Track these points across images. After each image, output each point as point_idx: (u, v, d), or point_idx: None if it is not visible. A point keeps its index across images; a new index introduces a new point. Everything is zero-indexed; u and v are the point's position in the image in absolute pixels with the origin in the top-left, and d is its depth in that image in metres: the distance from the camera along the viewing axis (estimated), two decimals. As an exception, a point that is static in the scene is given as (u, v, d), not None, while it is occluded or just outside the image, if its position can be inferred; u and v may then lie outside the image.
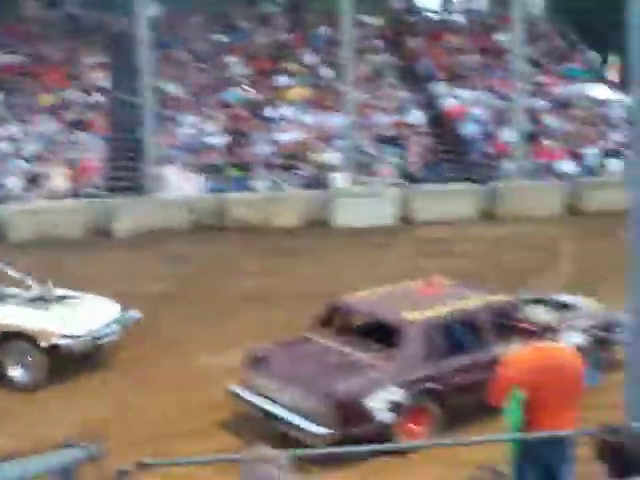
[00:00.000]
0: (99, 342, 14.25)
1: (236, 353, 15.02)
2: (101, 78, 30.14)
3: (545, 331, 8.38)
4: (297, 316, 16.10)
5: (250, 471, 2.99)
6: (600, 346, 13.33)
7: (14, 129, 27.65)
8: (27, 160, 26.47)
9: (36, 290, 14.99)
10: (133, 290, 19.18)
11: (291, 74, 30.65)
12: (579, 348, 10.23)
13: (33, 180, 25.86)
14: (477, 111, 29.36)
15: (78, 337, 13.84)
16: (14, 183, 25.72)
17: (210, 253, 22.12)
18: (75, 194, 25.67)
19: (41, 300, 14.59)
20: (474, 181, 26.78)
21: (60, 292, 15.06)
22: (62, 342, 13.66)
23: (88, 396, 13.45)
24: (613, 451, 4.82)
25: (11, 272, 15.36)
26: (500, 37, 32.85)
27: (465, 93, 30.19)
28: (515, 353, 9.02)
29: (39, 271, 20.58)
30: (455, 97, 30.16)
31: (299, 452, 7.30)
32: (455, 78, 31.02)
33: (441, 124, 29.62)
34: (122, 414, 12.74)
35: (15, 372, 13.82)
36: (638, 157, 8.93)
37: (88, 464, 7.49)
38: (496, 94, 30.22)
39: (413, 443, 11.05)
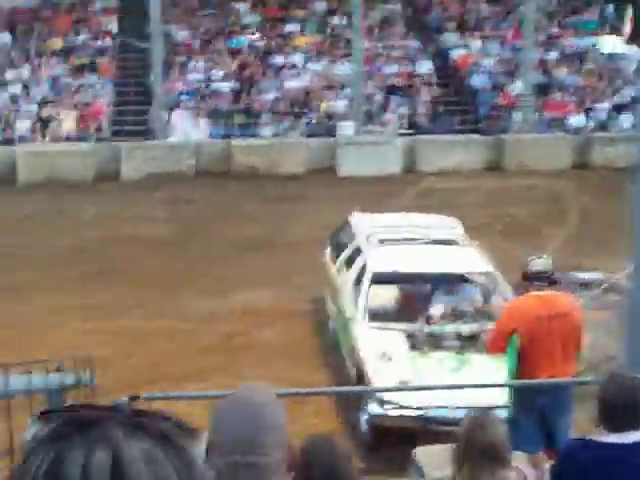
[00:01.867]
0: None
1: (235, 298, 15.22)
2: (110, 22, 30.00)
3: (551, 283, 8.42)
4: (297, 262, 16.26)
5: (244, 395, 3.00)
6: None
7: (24, 72, 27.65)
8: (37, 103, 26.51)
9: None
10: (136, 232, 19.35)
11: (300, 21, 30.48)
12: None
13: (42, 123, 25.91)
14: (487, 62, 29.18)
15: None
16: (24, 126, 25.77)
17: (214, 198, 22.17)
18: (83, 137, 25.74)
19: None
20: (482, 133, 26.71)
21: None
22: None
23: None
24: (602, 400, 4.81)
25: None
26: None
27: (475, 44, 29.99)
28: (515, 301, 9.07)
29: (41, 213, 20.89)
30: (465, 47, 29.97)
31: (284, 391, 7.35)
32: (465, 28, 30.79)
33: (450, 75, 29.48)
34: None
35: None
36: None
37: (78, 390, 7.61)
38: (507, 45, 30.03)
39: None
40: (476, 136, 26.45)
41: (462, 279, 12.16)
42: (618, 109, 27.61)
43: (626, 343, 9.47)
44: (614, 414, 4.71)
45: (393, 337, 10.89)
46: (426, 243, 12.78)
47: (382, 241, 12.88)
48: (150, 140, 25.87)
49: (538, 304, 8.27)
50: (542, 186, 22.88)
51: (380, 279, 11.90)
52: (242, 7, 30.95)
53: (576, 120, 27.31)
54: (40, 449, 1.12)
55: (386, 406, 9.95)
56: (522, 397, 8.34)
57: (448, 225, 14.05)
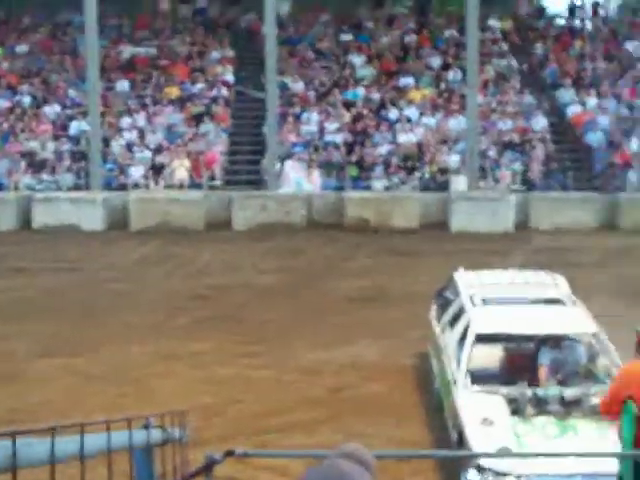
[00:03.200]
0: None
1: (343, 350, 15.12)
2: (227, 72, 30.46)
3: None
4: (406, 316, 16.13)
5: (333, 466, 2.87)
6: None
7: (140, 120, 28.21)
8: (151, 150, 27.00)
9: None
10: (247, 281, 19.46)
11: (415, 75, 30.52)
12: None
13: (156, 170, 26.36)
14: (603, 120, 28.79)
15: None
16: (138, 172, 26.25)
17: (324, 250, 22.20)
18: (196, 185, 26.09)
19: None
20: (596, 190, 26.31)
21: None
22: None
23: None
24: None
25: None
26: (630, 45, 32.15)
27: (591, 101, 29.63)
28: (630, 365, 8.78)
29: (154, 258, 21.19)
30: (580, 104, 29.63)
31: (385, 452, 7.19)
32: (581, 85, 30.47)
33: (565, 131, 29.17)
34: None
35: None
36: None
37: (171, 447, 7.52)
38: (623, 103, 29.61)
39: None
40: (591, 194, 26.05)
41: (568, 339, 11.85)
42: None
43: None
44: None
45: (495, 401, 10.61)
46: (531, 302, 12.47)
47: (486, 300, 12.57)
48: (262, 190, 26.09)
49: None
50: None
51: (483, 340, 11.65)
52: (357, 60, 31.14)
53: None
54: None
55: (485, 474, 9.66)
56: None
57: (553, 283, 13.66)
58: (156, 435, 7.21)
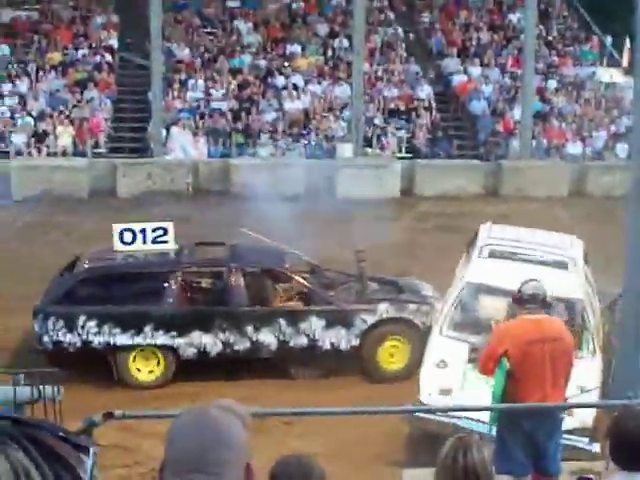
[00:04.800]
0: None
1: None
2: (111, 38, 29.99)
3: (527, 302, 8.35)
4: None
5: (203, 410, 2.78)
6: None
7: (23, 86, 27.59)
8: (34, 117, 26.44)
9: None
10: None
11: (302, 42, 30.48)
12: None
13: (39, 137, 25.85)
14: (487, 89, 29.21)
15: None
16: (20, 139, 25.70)
17: (210, 216, 22.05)
18: (80, 153, 25.67)
19: None
20: (480, 158, 26.70)
21: None
22: None
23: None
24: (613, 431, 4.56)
25: None
26: (514, 16, 32.64)
27: (475, 70, 30.02)
28: (505, 323, 8.99)
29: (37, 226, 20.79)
30: (466, 73, 30.00)
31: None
32: (466, 55, 30.84)
33: (450, 100, 29.53)
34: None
35: None
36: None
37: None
38: (507, 73, 30.08)
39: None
40: (475, 161, 26.45)
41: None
42: (615, 139, 27.67)
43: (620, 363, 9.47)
44: (627, 451, 4.40)
45: (458, 348, 11.19)
46: (535, 263, 12.73)
47: (493, 254, 12.96)
48: (147, 157, 25.80)
49: (529, 327, 8.19)
50: (539, 212, 22.82)
51: (473, 290, 12.10)
52: (244, 26, 30.96)
53: (573, 148, 27.36)
54: None
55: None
56: (509, 420, 8.24)
57: (569, 246, 13.89)
58: (26, 392, 7.16)
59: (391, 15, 32.52)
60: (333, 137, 26.74)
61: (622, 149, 27.04)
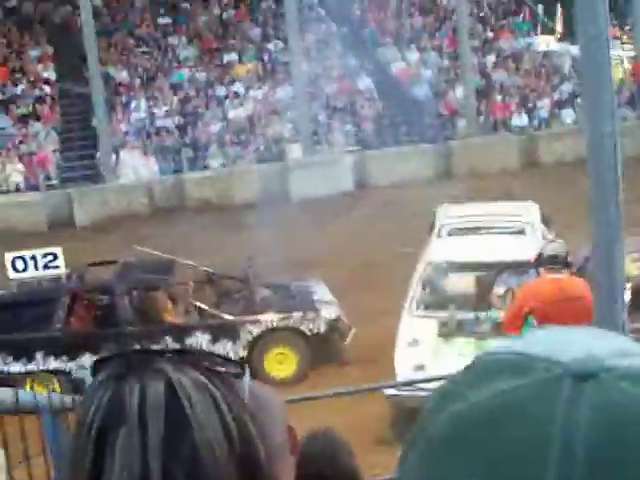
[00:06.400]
0: None
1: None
2: (48, 69, 29.88)
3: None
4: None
5: None
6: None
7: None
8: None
9: None
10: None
11: (237, 50, 30.56)
12: None
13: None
14: (426, 72, 29.42)
15: None
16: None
17: (170, 233, 22.08)
18: (33, 187, 25.60)
19: None
20: (428, 142, 26.89)
21: None
22: None
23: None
24: None
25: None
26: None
27: (413, 55, 30.23)
28: (531, 283, 9.16)
29: None
30: (404, 60, 30.20)
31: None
32: (401, 41, 31.04)
33: (391, 88, 29.67)
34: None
35: None
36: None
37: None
38: (444, 54, 30.31)
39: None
40: (424, 145, 26.63)
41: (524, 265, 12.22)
42: (559, 106, 27.97)
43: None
44: None
45: (428, 325, 11.48)
46: (494, 233, 13.15)
47: (451, 232, 13.42)
48: (100, 183, 25.79)
49: (552, 287, 8.31)
50: (494, 187, 23.04)
51: (436, 268, 12.43)
52: (178, 42, 30.99)
53: (519, 120, 27.62)
54: (100, 388, 1.24)
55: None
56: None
57: (525, 212, 14.27)
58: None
59: (322, 12, 32.64)
60: (281, 139, 26.84)
61: (568, 115, 27.37)
